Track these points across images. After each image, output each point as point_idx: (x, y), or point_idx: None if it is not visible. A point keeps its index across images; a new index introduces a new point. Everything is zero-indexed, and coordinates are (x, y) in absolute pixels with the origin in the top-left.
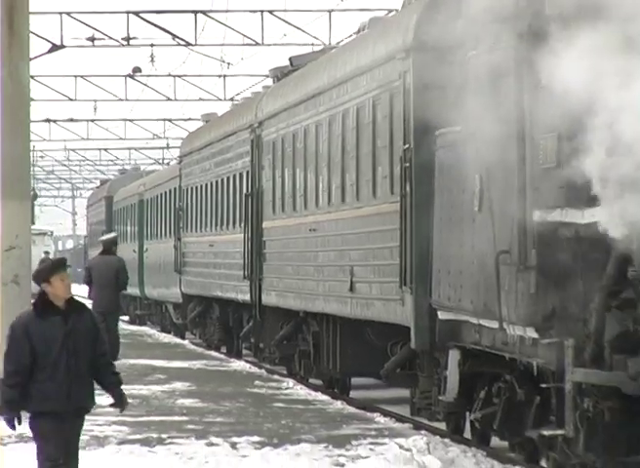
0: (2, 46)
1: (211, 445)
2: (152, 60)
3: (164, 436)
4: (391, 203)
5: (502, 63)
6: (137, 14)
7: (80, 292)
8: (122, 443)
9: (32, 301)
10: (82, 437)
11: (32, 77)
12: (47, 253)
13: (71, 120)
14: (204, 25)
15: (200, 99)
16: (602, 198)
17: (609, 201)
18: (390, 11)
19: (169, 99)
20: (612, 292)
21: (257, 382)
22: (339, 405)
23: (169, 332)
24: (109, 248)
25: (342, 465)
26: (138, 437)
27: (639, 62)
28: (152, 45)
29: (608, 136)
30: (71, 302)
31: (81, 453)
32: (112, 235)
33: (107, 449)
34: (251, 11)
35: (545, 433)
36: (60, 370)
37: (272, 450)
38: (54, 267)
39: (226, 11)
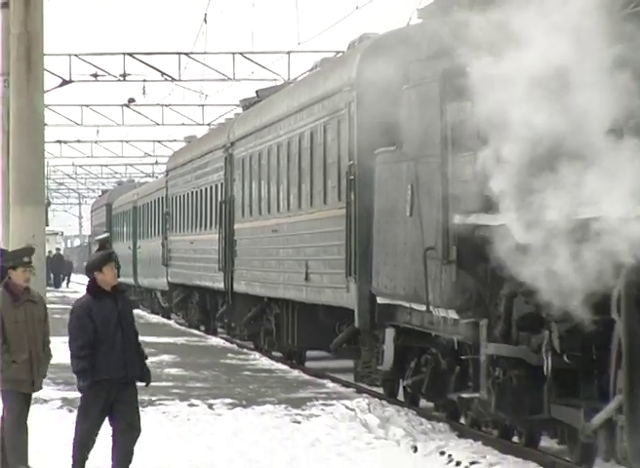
0: (21, 80)
1: (192, 405)
2: (144, 93)
3: (154, 398)
4: (339, 209)
5: (429, 95)
6: (131, 55)
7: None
8: None
9: (86, 287)
10: None
11: (46, 106)
12: (58, 249)
13: (78, 141)
14: (186, 64)
15: (183, 124)
16: (505, 205)
17: (510, 207)
18: (338, 52)
19: (157, 124)
20: (518, 282)
21: (229, 355)
22: (296, 373)
23: (157, 314)
24: (104, 245)
25: (299, 422)
26: None
27: (534, 97)
28: (144, 80)
29: (506, 156)
30: (116, 287)
31: None
32: (105, 235)
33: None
34: (225, 52)
35: (464, 396)
36: (117, 343)
37: (242, 410)
38: (106, 259)
39: (204, 53)
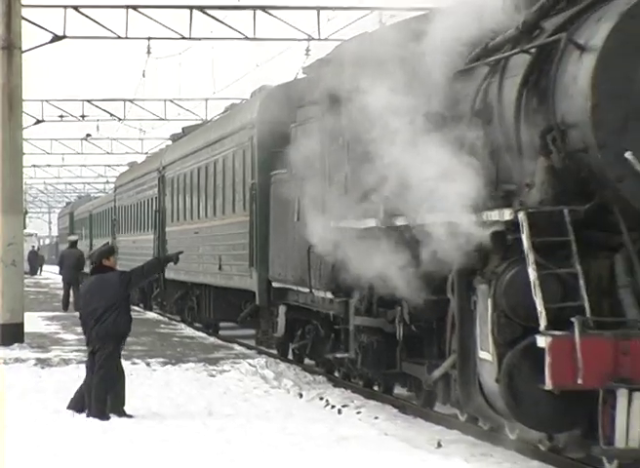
0: (4, 120)
1: (134, 363)
2: (98, 129)
3: None
4: (244, 216)
5: (312, 131)
6: (89, 101)
7: (54, 270)
8: (79, 363)
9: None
10: (54, 359)
11: (24, 139)
12: (33, 246)
13: (48, 165)
14: (130, 108)
15: (127, 153)
16: (370, 212)
17: (373, 213)
18: (243, 99)
19: (108, 153)
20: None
21: (161, 325)
22: (212, 339)
23: None
24: (74, 244)
25: (214, 376)
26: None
27: (377, 137)
28: (98, 120)
29: (366, 178)
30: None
31: (53, 369)
32: (75, 237)
33: (70, 367)
34: (159, 99)
35: (337, 355)
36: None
37: (172, 367)
38: (112, 251)
39: (144, 99)
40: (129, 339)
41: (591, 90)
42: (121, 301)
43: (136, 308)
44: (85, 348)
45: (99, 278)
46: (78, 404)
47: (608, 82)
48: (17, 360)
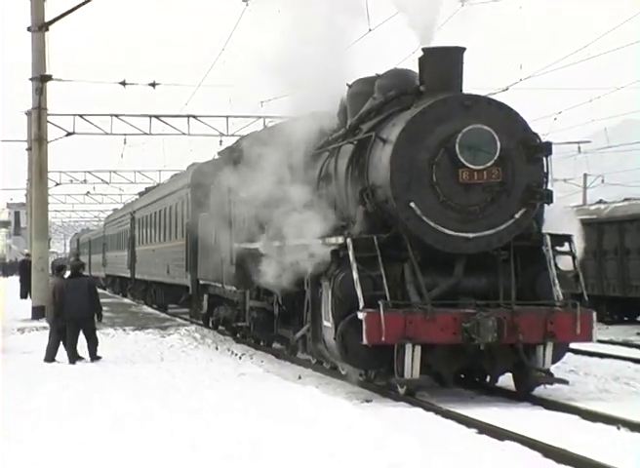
0: (36, 183)
1: (115, 329)
2: (94, 189)
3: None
4: (182, 241)
5: (222, 189)
6: (90, 172)
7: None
8: None
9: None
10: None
11: (49, 195)
12: (55, 260)
13: (64, 210)
14: (113, 177)
15: (111, 203)
16: (257, 238)
17: (257, 239)
18: (182, 170)
19: (100, 203)
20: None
21: (132, 307)
22: (163, 315)
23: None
24: (77, 269)
25: (164, 336)
26: None
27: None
28: (93, 183)
29: (254, 218)
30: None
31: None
32: (81, 262)
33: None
34: (130, 170)
35: (239, 324)
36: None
37: (139, 331)
38: (83, 266)
39: (123, 170)
40: (112, 314)
41: (390, 165)
42: (88, 294)
43: (116, 296)
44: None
45: (76, 280)
46: (72, 355)
47: (398, 161)
48: (44, 328)
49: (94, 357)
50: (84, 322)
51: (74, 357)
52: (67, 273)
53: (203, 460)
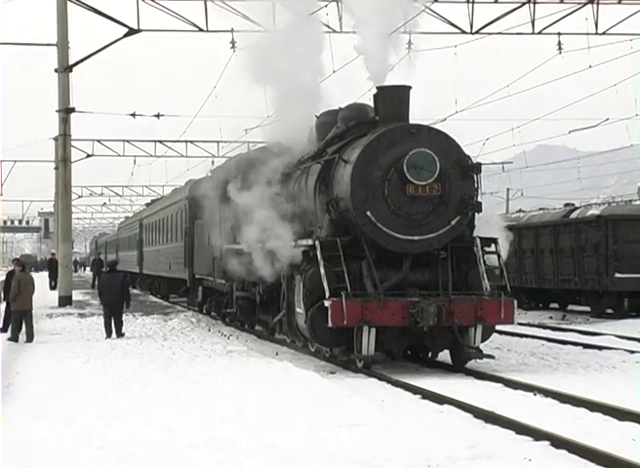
0: (62, 196)
1: (127, 315)
2: (109, 201)
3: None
4: (182, 242)
5: (213, 201)
6: (107, 187)
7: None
8: (99, 315)
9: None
10: (87, 313)
11: (73, 206)
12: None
13: (84, 218)
14: (124, 191)
15: (124, 211)
16: (242, 240)
17: (241, 241)
18: (181, 185)
19: (114, 212)
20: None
21: (140, 296)
22: (166, 303)
23: None
24: (113, 266)
25: (167, 321)
26: (93, 311)
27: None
28: (109, 196)
29: (240, 225)
30: (119, 271)
31: (86, 318)
32: (114, 259)
33: (94, 317)
34: (140, 185)
35: (228, 311)
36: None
37: (146, 316)
38: (117, 263)
39: (132, 185)
40: None
41: (350, 182)
42: (121, 287)
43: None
44: (102, 308)
45: (111, 275)
46: (108, 331)
47: (357, 178)
48: (68, 314)
49: (119, 334)
50: (115, 308)
51: (109, 333)
52: (104, 268)
53: (196, 416)
